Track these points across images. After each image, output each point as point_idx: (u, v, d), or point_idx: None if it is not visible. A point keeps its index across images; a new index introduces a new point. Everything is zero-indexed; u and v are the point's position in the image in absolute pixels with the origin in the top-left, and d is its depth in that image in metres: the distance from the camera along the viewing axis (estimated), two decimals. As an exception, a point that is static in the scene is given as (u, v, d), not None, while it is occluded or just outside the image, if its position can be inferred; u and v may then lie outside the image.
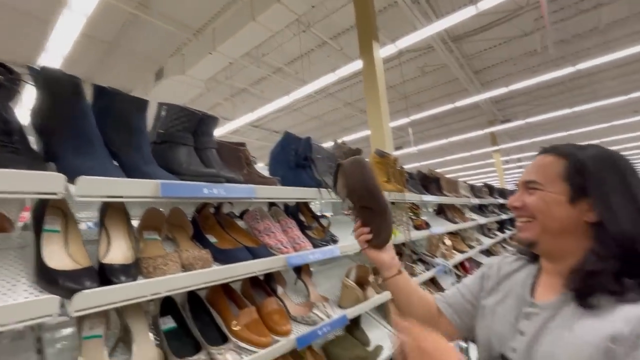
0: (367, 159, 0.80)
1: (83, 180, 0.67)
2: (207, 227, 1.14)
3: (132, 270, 0.77)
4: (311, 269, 1.61)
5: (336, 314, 1.30)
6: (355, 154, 1.77)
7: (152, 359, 0.83)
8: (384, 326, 1.77)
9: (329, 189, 1.35)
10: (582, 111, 9.88)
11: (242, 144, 1.19)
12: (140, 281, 0.75)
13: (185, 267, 0.89)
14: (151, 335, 0.88)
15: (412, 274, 1.95)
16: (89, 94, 0.82)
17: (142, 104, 0.82)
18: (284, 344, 1.02)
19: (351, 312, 1.35)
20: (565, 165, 0.66)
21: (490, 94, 8.40)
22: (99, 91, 0.81)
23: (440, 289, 2.28)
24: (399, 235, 1.86)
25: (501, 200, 4.02)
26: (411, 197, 2.04)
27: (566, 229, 0.64)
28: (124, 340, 0.89)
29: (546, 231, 0.66)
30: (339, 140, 1.72)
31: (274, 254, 1.11)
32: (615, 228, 0.59)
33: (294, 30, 6.00)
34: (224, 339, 0.99)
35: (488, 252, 3.36)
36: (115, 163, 0.83)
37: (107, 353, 0.80)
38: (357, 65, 5.43)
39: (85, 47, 5.72)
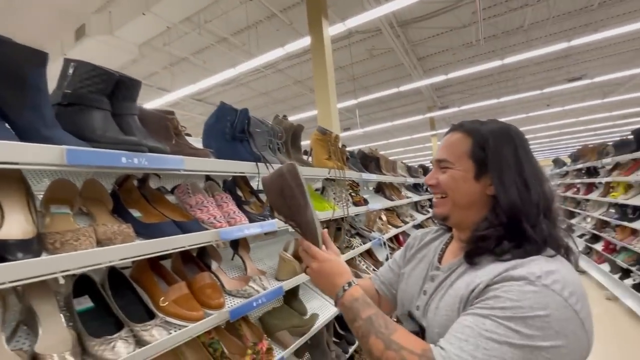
0: (296, 166, 0.73)
1: (-43, 141, 0.57)
2: (131, 201, 1.06)
3: (33, 246, 0.69)
4: (251, 244, 1.61)
5: (272, 286, 1.33)
6: (296, 130, 1.77)
7: (63, 340, 0.76)
8: (321, 296, 1.86)
9: (268, 164, 1.33)
10: (506, 102, 11.04)
11: (170, 112, 1.11)
12: (43, 257, 0.68)
13: (102, 243, 0.82)
14: (62, 317, 0.81)
15: (350, 246, 2.06)
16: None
17: (37, 56, 0.70)
18: (215, 316, 1.01)
19: (287, 284, 1.39)
20: (470, 143, 0.71)
21: (431, 80, 8.91)
22: (-22, 36, 0.67)
23: (375, 259, 2.45)
24: (338, 210, 1.93)
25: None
26: (351, 174, 2.12)
27: (473, 203, 0.71)
28: (28, 323, 0.80)
29: (456, 206, 0.73)
30: (280, 115, 1.69)
31: (206, 229, 1.08)
32: (505, 200, 0.66)
33: (240, -3, 5.62)
34: (151, 316, 0.95)
35: (420, 227, 3.67)
36: (8, 126, 0.71)
37: (5, 338, 0.72)
38: (307, 41, 5.32)
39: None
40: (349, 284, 0.70)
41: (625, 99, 11.99)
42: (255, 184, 1.59)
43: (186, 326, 0.94)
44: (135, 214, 1.00)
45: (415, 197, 3.55)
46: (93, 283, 0.97)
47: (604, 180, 4.38)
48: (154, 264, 1.12)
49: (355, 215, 2.50)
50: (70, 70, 0.85)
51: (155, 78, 8.32)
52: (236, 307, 1.11)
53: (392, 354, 0.57)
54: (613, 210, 4.16)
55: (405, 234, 3.22)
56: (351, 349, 1.87)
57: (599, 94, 11.95)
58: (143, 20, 5.26)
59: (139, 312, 0.96)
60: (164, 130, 1.07)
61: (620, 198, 3.82)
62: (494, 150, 0.69)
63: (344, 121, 12.08)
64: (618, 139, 4.13)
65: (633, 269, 3.62)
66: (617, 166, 4.12)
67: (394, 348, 0.58)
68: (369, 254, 2.49)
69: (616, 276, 4.06)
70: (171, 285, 1.04)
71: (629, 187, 3.87)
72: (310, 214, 0.73)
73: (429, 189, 0.85)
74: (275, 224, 1.33)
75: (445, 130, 0.82)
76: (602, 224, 4.55)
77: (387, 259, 2.55)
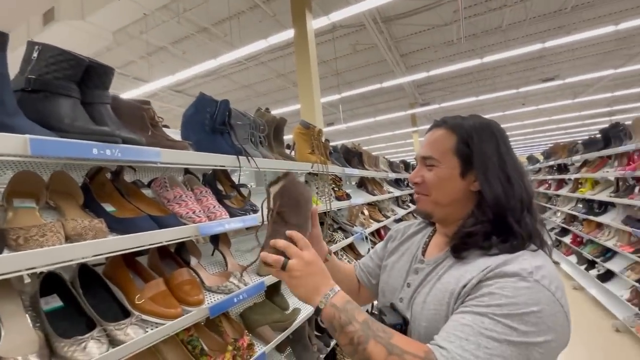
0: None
1: None
2: (104, 194, 1.01)
3: (-8, 243, 0.64)
4: (232, 239, 1.58)
5: (254, 281, 1.31)
6: (279, 123, 1.74)
7: (29, 342, 0.72)
8: (304, 291, 1.85)
9: (249, 157, 1.30)
10: (484, 100, 11.37)
11: (146, 102, 1.06)
12: (5, 255, 0.63)
13: (72, 239, 0.78)
14: (27, 317, 0.76)
15: (332, 241, 2.06)
16: None
17: (-5, 37, 0.65)
18: (194, 313, 0.99)
19: (269, 279, 1.37)
20: (455, 139, 0.71)
21: (413, 77, 9.03)
22: None
23: (357, 253, 2.47)
24: (321, 204, 1.93)
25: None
26: (334, 169, 2.12)
27: (456, 200, 0.71)
28: (-11, 325, 0.75)
29: (438, 204, 0.73)
30: (262, 108, 1.66)
31: (185, 224, 1.04)
32: (491, 196, 0.66)
33: (222, -14, 5.46)
34: (126, 315, 0.91)
35: (401, 222, 3.74)
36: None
37: (-37, 341, 0.67)
38: (290, 34, 5.25)
39: None
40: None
41: (594, 99, 12.65)
42: (236, 178, 1.56)
43: (163, 324, 0.91)
44: (109, 208, 0.96)
45: (397, 192, 3.60)
46: (62, 281, 0.92)
47: (573, 176, 4.61)
48: (129, 260, 1.07)
49: (338, 209, 2.51)
50: (35, 54, 0.79)
51: (131, 67, 7.99)
52: (216, 303, 1.09)
53: (396, 359, 0.54)
54: (581, 205, 4.39)
55: (386, 228, 3.26)
56: (333, 342, 1.89)
57: (570, 95, 12.52)
58: (117, 6, 5.01)
59: (113, 310, 0.93)
60: (139, 120, 1.02)
61: (587, 194, 4.03)
62: (478, 146, 0.69)
63: (327, 116, 12.07)
64: (587, 137, 4.34)
65: (598, 260, 3.85)
66: (585, 163, 4.34)
67: (397, 352, 0.54)
68: (351, 248, 2.51)
69: (582, 267, 4.30)
70: (147, 282, 1.00)
71: (596, 183, 4.09)
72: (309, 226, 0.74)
73: (411, 185, 0.83)
74: (256, 218, 1.31)
75: (427, 126, 0.81)
76: (571, 218, 4.80)
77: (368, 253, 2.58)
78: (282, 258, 0.62)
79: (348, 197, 2.27)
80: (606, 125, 3.67)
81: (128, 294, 0.96)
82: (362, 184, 3.09)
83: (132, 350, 0.81)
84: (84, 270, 0.97)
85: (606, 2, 6.55)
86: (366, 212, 2.80)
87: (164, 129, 1.15)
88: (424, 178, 0.74)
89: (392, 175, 3.52)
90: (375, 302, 0.93)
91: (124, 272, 1.00)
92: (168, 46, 7.22)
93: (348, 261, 2.33)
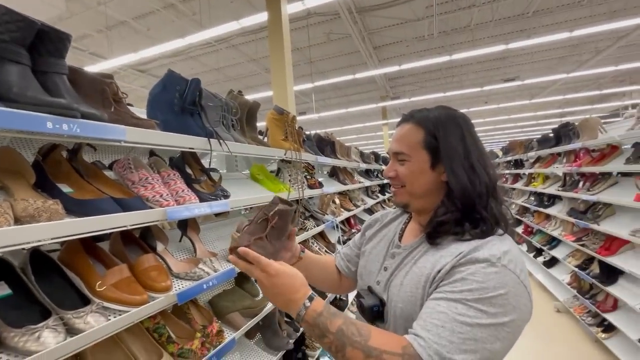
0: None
1: None
2: (60, 174, 0.92)
3: None
4: (201, 226, 1.53)
5: (224, 268, 1.28)
6: (252, 107, 1.69)
7: (-28, 333, 0.65)
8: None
9: (221, 140, 1.26)
10: (451, 96, 11.83)
11: (109, 76, 0.98)
12: (-59, 236, 0.56)
13: (22, 220, 0.71)
14: (-30, 306, 0.69)
15: (304, 228, 2.07)
16: None
17: None
18: (161, 300, 0.95)
19: (240, 265, 1.35)
20: (422, 133, 0.74)
21: (385, 70, 9.16)
22: None
23: (328, 241, 2.51)
24: (293, 192, 1.92)
25: (384, 167, 4.58)
26: (307, 157, 2.11)
27: (430, 190, 0.75)
28: None
29: (414, 195, 0.76)
30: (235, 91, 1.60)
31: (151, 207, 0.99)
32: (457, 187, 0.70)
33: (191, -40, 5.13)
34: (85, 303, 0.86)
35: (370, 211, 3.83)
36: None
37: None
38: (263, 17, 5.08)
39: None
40: (310, 299, 0.63)
41: (548, 101, 13.64)
42: (206, 161, 1.50)
43: (127, 311, 0.87)
44: (65, 189, 0.88)
45: (367, 182, 3.68)
46: (11, 268, 0.84)
47: (527, 171, 4.97)
48: (88, 245, 1.00)
49: (310, 197, 2.51)
50: (-26, 12, 0.69)
51: (87, 41, 7.33)
52: (184, 289, 1.05)
53: None
54: (533, 198, 4.76)
55: (356, 217, 3.33)
56: (302, 328, 1.91)
57: (527, 95, 13.40)
58: (71, -29, 4.55)
59: (71, 298, 0.86)
60: (100, 95, 0.94)
61: (539, 187, 4.37)
62: (444, 138, 0.72)
63: (299, 105, 11.95)
64: (540, 136, 4.68)
65: (544, 248, 4.21)
66: (538, 159, 4.69)
67: (375, 355, 0.56)
68: (321, 236, 2.54)
69: (531, 255, 4.69)
70: (110, 268, 0.94)
71: (546, 178, 4.44)
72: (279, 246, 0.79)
73: (383, 177, 0.88)
74: (227, 204, 1.28)
75: (397, 120, 0.84)
76: (524, 210, 5.19)
77: (339, 241, 2.63)
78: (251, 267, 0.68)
79: (320, 185, 2.28)
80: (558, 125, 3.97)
81: (88, 281, 0.90)
82: (334, 173, 3.11)
83: (93, 339, 0.77)
84: (37, 257, 0.89)
85: (563, 9, 7.02)
86: (337, 201, 2.83)
87: (128, 106, 1.07)
88: (397, 173, 0.77)
89: (363, 166, 3.58)
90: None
91: (82, 258, 0.93)
92: (130, 21, 6.70)
93: (319, 249, 2.35)
